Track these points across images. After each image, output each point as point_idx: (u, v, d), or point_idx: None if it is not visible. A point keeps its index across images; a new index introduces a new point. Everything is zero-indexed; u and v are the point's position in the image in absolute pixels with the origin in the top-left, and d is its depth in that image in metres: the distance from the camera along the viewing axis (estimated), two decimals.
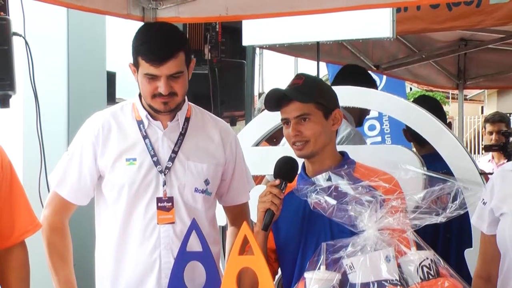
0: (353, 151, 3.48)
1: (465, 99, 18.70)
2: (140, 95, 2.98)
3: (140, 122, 2.95)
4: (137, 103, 2.99)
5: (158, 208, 2.88)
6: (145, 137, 2.92)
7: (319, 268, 2.25)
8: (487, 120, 6.45)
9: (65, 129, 5.26)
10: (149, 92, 2.84)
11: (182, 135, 2.96)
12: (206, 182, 2.94)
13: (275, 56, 6.97)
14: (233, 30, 5.29)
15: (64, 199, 2.95)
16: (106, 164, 2.90)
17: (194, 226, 2.39)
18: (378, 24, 4.31)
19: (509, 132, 6.09)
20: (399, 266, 2.25)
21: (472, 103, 20.82)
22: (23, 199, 2.76)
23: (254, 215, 2.86)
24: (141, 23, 4.10)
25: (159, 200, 2.89)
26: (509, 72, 7.43)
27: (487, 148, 5.93)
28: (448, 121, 4.74)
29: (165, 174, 2.89)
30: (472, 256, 3.36)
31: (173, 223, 2.85)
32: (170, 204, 2.89)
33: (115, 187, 2.90)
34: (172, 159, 2.91)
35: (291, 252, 2.77)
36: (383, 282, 2.19)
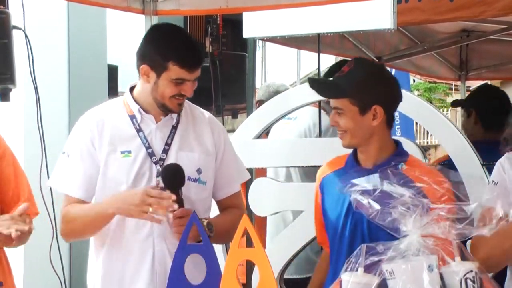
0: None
1: (469, 90, 18.66)
2: (130, 90, 3.04)
3: (132, 117, 3.00)
4: (128, 98, 3.04)
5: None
6: (139, 130, 2.98)
7: (356, 270, 2.18)
8: None
9: (66, 123, 5.25)
10: (171, 94, 2.91)
11: (175, 128, 3.03)
12: (199, 171, 2.98)
13: (278, 48, 6.94)
14: (234, 22, 5.27)
15: (77, 199, 2.98)
16: (102, 158, 2.95)
17: (194, 218, 2.39)
18: (378, 16, 4.29)
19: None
20: (441, 276, 2.15)
21: None
22: (26, 181, 2.99)
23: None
24: (142, 16, 4.11)
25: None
26: (511, 63, 7.40)
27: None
28: None
29: (160, 166, 2.94)
30: None
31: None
32: None
33: (112, 179, 2.94)
34: (165, 151, 2.98)
35: (333, 231, 2.85)
36: None
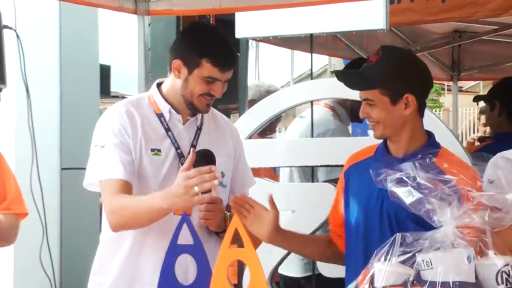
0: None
1: (461, 91, 18.68)
2: (159, 89, 2.98)
3: (160, 115, 2.95)
4: (155, 95, 2.98)
5: None
6: (168, 129, 2.94)
7: (390, 260, 2.11)
8: (482, 111, 6.46)
9: (58, 123, 5.24)
10: (200, 92, 2.87)
11: (199, 129, 3.00)
12: (222, 174, 2.92)
13: (271, 48, 6.95)
14: (226, 22, 5.26)
15: (121, 181, 2.81)
16: (136, 152, 2.88)
17: (184, 219, 2.38)
18: (371, 16, 4.29)
19: None
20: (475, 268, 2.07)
21: (468, 95, 20.77)
22: (14, 180, 2.92)
23: None
24: (134, 16, 4.10)
25: None
26: (503, 63, 7.42)
27: (482, 140, 5.94)
28: None
29: None
30: None
31: (189, 215, 2.78)
32: None
33: (143, 176, 2.87)
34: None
35: (357, 218, 2.80)
36: (464, 283, 2.02)
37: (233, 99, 5.63)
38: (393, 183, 2.24)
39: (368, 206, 2.76)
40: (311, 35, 4.51)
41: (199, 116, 3.00)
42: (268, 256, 3.10)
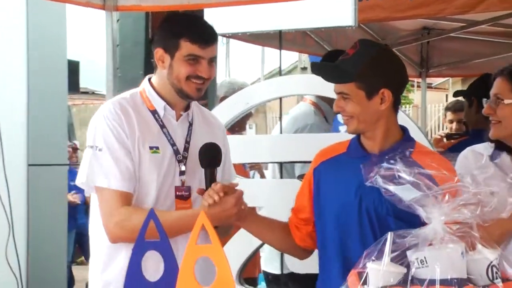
0: (313, 140, 3.49)
1: (430, 87, 18.85)
2: (151, 84, 2.95)
3: (154, 112, 2.92)
4: (148, 91, 2.94)
5: (177, 197, 2.88)
6: (163, 126, 2.91)
7: (383, 259, 2.06)
8: (448, 108, 6.51)
9: (25, 120, 5.19)
10: (186, 74, 2.82)
11: (191, 125, 2.97)
12: (216, 170, 2.88)
13: (242, 45, 6.95)
14: None
15: (121, 192, 2.80)
16: (135, 152, 2.84)
17: (151, 215, 2.37)
18: (340, 13, 4.32)
19: None
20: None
21: (437, 91, 20.97)
22: None
23: None
24: (101, 12, 4.08)
25: (177, 189, 2.89)
26: (471, 60, 7.50)
27: (449, 137, 6.00)
28: None
29: (184, 164, 2.90)
30: None
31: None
32: (187, 193, 2.89)
33: (145, 175, 2.84)
34: (186, 149, 2.93)
35: (334, 218, 2.74)
36: (461, 280, 1.98)
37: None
38: (386, 180, 2.19)
39: (345, 203, 2.71)
40: (280, 31, 4.53)
41: (190, 111, 2.96)
42: (237, 253, 3.09)
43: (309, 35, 6.40)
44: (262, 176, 5.46)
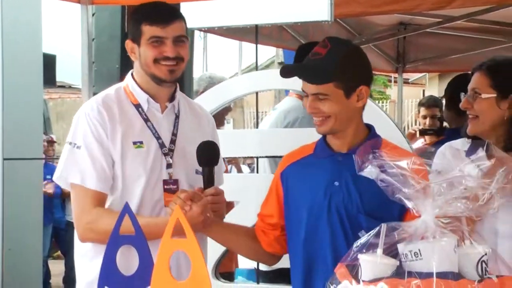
0: (302, 135, 3.48)
1: (407, 83, 18.91)
2: (134, 78, 2.94)
3: (138, 106, 2.91)
4: (131, 86, 2.94)
5: (165, 190, 2.87)
6: (147, 120, 2.90)
7: (374, 251, 2.04)
8: (421, 104, 6.55)
9: None
10: (152, 57, 2.82)
11: (177, 117, 2.96)
12: (214, 169, 2.86)
13: (219, 39, 6.95)
14: None
15: (95, 191, 2.81)
16: (117, 149, 2.84)
17: (126, 209, 2.36)
18: (316, 7, 4.32)
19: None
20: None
21: (414, 87, 21.04)
22: None
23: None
24: (78, 5, 4.06)
25: (165, 182, 2.88)
26: (447, 56, 7.54)
27: (423, 132, 6.04)
28: None
29: (170, 157, 2.89)
30: None
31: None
32: (175, 186, 2.88)
33: (130, 171, 2.84)
34: (173, 142, 2.92)
35: (305, 221, 2.70)
36: (457, 274, 1.97)
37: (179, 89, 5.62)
38: (378, 170, 2.17)
39: (314, 204, 2.69)
40: (256, 26, 4.53)
41: (175, 102, 2.95)
42: (213, 247, 3.09)
43: (285, 30, 6.41)
44: (239, 170, 5.48)
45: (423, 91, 19.75)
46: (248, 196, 4.04)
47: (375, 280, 1.98)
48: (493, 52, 6.52)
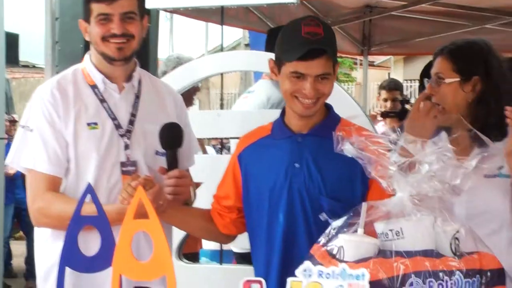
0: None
1: (373, 65, 19.00)
2: (90, 59, 2.91)
3: (94, 87, 2.88)
4: (88, 66, 2.91)
5: (123, 172, 2.83)
6: (103, 100, 2.86)
7: (355, 231, 2.03)
8: (382, 87, 6.60)
9: None
10: (99, 34, 2.79)
11: (138, 97, 2.92)
12: (178, 151, 2.82)
13: (186, 21, 6.91)
14: None
15: (48, 175, 2.78)
16: (70, 131, 2.80)
17: (89, 190, 2.35)
18: None
19: (406, 100, 6.36)
20: None
21: (380, 69, 21.16)
22: None
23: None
24: None
25: (122, 164, 2.85)
26: (412, 39, 7.58)
27: (384, 115, 6.11)
28: None
29: (127, 138, 2.85)
30: None
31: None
32: (134, 168, 2.85)
33: (82, 153, 2.80)
34: (131, 122, 2.88)
35: (265, 204, 2.68)
36: (436, 251, 1.97)
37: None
38: (356, 149, 2.14)
39: (275, 186, 2.66)
40: (222, 7, 4.50)
41: (134, 82, 2.92)
42: (176, 228, 3.08)
43: (252, 12, 6.38)
44: (204, 152, 5.46)
45: (388, 74, 19.87)
46: (212, 177, 4.03)
47: (360, 261, 1.95)
48: (458, 36, 6.56)
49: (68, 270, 2.33)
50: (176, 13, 5.76)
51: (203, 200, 3.22)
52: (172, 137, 2.79)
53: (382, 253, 1.97)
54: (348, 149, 2.15)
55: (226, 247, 4.40)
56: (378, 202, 2.09)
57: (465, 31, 6.80)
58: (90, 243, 2.39)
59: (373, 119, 6.13)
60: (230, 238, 2.95)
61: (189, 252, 4.59)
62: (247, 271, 3.55)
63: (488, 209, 2.74)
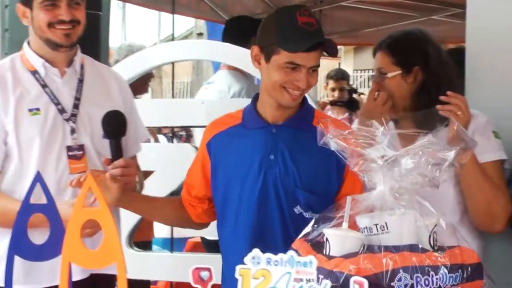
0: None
1: (323, 55, 19.07)
2: (29, 44, 2.86)
3: (34, 72, 2.84)
4: (27, 52, 2.86)
5: (69, 157, 2.80)
6: (44, 86, 2.82)
7: (339, 225, 2.00)
8: (330, 77, 6.67)
9: None
10: (46, 21, 2.74)
11: (81, 81, 2.89)
12: (122, 140, 2.77)
13: (138, 10, 6.88)
14: None
15: None
16: (10, 119, 2.76)
17: (38, 178, 2.34)
18: None
19: (354, 89, 6.47)
20: None
21: (330, 60, 21.25)
22: None
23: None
24: None
25: (69, 149, 2.81)
26: (362, 29, 7.67)
27: (333, 103, 6.22)
28: None
29: (73, 122, 2.82)
30: None
31: (86, 171, 2.70)
32: (81, 152, 2.83)
33: (25, 139, 2.76)
34: (76, 106, 2.84)
35: (235, 194, 2.62)
36: (420, 246, 1.96)
37: (95, 59, 5.54)
38: (340, 143, 2.10)
39: (248, 178, 2.60)
40: None
41: (77, 66, 2.90)
42: (127, 216, 3.09)
43: (203, 1, 6.39)
44: (156, 140, 5.46)
45: (339, 64, 19.97)
46: (163, 166, 4.05)
47: (349, 256, 1.93)
48: (407, 27, 6.66)
49: (17, 259, 2.33)
50: (128, 1, 5.74)
51: (154, 187, 3.24)
52: (115, 125, 2.75)
53: (370, 248, 1.96)
54: (331, 143, 2.12)
55: (177, 235, 4.42)
56: (358, 196, 2.08)
57: (413, 22, 6.91)
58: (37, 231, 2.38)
59: (323, 107, 6.22)
60: (203, 225, 2.92)
61: (142, 240, 4.60)
62: (197, 259, 3.60)
63: (435, 194, 2.79)
